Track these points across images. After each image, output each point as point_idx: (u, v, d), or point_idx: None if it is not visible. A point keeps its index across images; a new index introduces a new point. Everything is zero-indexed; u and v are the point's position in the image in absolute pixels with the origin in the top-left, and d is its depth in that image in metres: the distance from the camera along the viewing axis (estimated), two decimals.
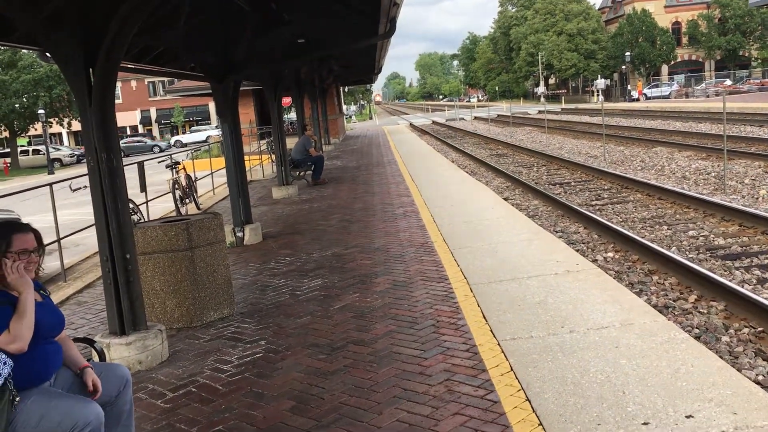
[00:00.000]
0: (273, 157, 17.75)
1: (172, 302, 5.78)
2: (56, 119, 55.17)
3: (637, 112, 43.11)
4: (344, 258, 7.93)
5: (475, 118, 56.38)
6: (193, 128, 67.71)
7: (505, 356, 4.49)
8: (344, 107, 59.71)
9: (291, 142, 16.98)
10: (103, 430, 2.98)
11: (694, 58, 77.06)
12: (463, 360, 4.51)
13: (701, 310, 6.25)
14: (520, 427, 3.55)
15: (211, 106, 65.49)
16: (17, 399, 2.86)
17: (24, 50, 49.83)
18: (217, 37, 9.01)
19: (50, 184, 8.74)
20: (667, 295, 6.74)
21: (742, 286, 6.51)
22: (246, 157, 10.54)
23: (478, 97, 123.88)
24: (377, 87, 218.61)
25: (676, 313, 6.23)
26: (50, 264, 8.35)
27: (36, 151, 53.24)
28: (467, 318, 5.34)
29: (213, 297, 5.93)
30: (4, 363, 2.83)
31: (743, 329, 5.71)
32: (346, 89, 64.82)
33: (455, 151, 26.72)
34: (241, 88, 10.51)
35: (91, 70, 4.85)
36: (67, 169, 45.59)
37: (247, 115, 30.00)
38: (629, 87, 69.73)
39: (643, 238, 8.81)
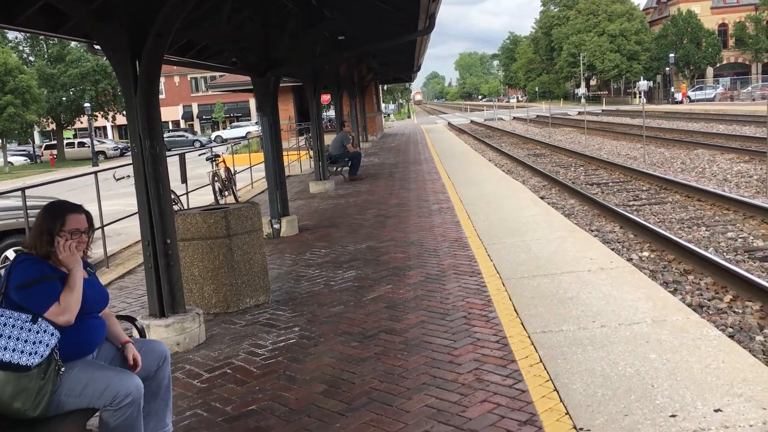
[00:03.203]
0: (311, 153, 17.94)
1: (210, 288, 5.94)
2: (101, 113, 56.47)
3: (680, 115, 42.39)
4: (378, 251, 8.02)
5: (514, 118, 56.05)
6: (233, 124, 68.61)
7: (535, 348, 4.53)
8: (382, 105, 59.86)
9: (329, 139, 17.13)
10: (142, 402, 3.11)
11: (740, 60, 75.36)
12: (492, 351, 4.56)
13: (736, 310, 6.20)
14: (547, 416, 3.60)
15: (252, 103, 66.28)
16: (62, 369, 3.01)
17: (72, 45, 51.14)
18: (258, 33, 9.18)
19: (95, 173, 9.01)
20: (701, 295, 6.69)
21: None
22: (284, 153, 10.71)
23: (517, 97, 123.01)
24: (416, 86, 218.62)
25: (710, 312, 6.19)
26: (94, 251, 8.60)
27: (81, 144, 54.49)
28: (498, 311, 5.38)
29: (249, 284, 6.08)
30: (52, 334, 2.98)
31: None
32: (385, 87, 64.95)
33: (492, 150, 26.64)
34: (280, 84, 10.67)
35: (137, 61, 5.03)
36: (111, 161, 46.59)
37: (286, 111, 30.29)
38: (672, 89, 68.54)
39: (680, 238, 8.72)
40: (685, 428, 3.33)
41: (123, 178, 9.45)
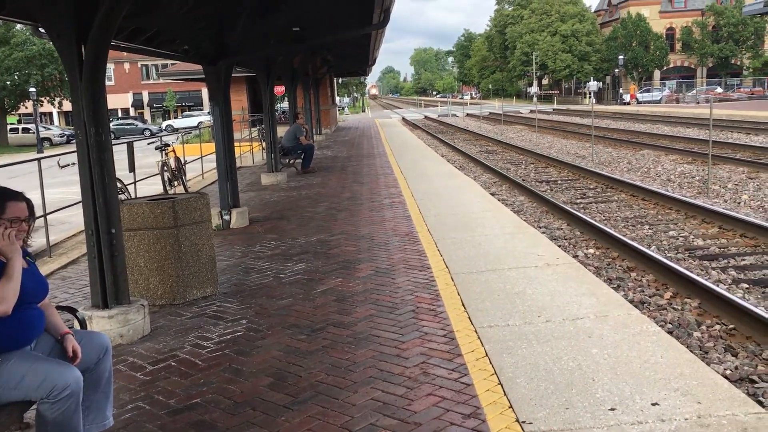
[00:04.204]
0: (263, 144, 17.79)
1: (156, 279, 5.84)
2: (47, 98, 54.77)
3: (628, 115, 43.37)
4: (329, 244, 8.00)
5: (467, 115, 56.53)
6: (185, 113, 67.45)
7: (481, 342, 4.59)
8: (337, 99, 59.64)
9: (282, 131, 16.99)
10: (81, 395, 3.04)
11: (686, 64, 77.47)
12: (439, 345, 4.60)
13: (675, 307, 6.38)
14: (490, 409, 3.64)
15: (204, 93, 65.20)
16: None
17: (17, 28, 49.44)
18: (211, 21, 9.03)
19: (38, 159, 8.76)
20: (643, 291, 6.87)
21: (717, 285, 6.64)
22: (236, 144, 10.59)
23: (471, 94, 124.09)
24: (372, 80, 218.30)
25: (650, 309, 6.37)
26: (36, 240, 8.36)
27: (26, 130, 52.82)
28: (446, 305, 5.43)
29: (196, 276, 5.99)
30: None
31: (715, 326, 5.85)
32: (340, 81, 64.71)
33: (445, 146, 26.82)
34: (234, 75, 10.53)
35: (83, 45, 4.90)
36: (57, 148, 45.27)
37: (239, 102, 29.93)
38: (621, 90, 70.07)
39: (624, 236, 8.94)
40: (623, 421, 3.41)
41: (68, 165, 9.18)
